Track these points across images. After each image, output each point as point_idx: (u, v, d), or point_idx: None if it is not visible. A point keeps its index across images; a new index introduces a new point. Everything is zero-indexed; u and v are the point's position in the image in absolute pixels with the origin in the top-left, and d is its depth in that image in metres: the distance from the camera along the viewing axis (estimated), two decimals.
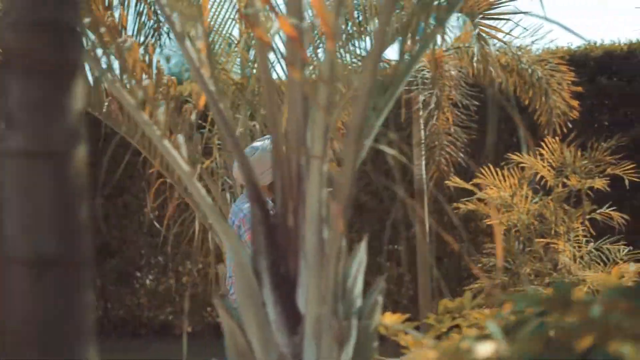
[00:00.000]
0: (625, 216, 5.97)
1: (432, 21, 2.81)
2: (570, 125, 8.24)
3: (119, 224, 9.77)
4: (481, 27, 4.84)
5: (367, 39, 4.47)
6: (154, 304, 9.95)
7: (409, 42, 2.54)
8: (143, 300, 10.14)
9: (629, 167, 5.79)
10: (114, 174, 7.11)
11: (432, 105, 5.98)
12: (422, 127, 6.56)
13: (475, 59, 5.66)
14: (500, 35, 5.59)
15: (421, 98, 6.21)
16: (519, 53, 6.72)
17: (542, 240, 5.85)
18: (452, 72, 6.27)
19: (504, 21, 5.49)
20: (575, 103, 6.89)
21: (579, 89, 6.95)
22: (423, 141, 6.49)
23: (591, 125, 8.24)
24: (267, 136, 3.65)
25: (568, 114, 6.89)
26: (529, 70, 6.76)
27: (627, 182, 5.75)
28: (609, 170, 5.75)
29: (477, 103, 6.30)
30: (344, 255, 2.19)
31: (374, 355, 2.46)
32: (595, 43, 8.32)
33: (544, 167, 5.84)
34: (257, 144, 3.78)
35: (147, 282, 10.08)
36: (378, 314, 2.47)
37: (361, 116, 1.93)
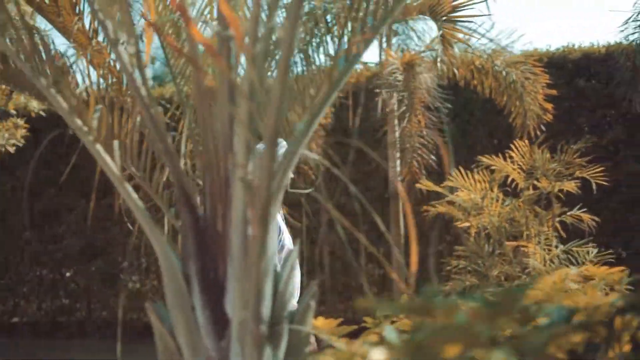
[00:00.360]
0: (596, 218, 5.98)
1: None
2: (548, 128, 8.29)
3: (103, 225, 9.79)
4: (445, 30, 4.86)
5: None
6: (137, 305, 9.97)
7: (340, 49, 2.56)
8: (127, 301, 10.17)
9: (597, 170, 5.79)
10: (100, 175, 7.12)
11: (403, 108, 5.99)
12: (396, 129, 6.59)
13: (439, 59, 5.67)
14: (472, 38, 5.59)
15: (393, 100, 6.23)
16: (493, 55, 6.75)
17: (512, 242, 5.86)
18: (425, 75, 6.29)
19: (478, 24, 5.57)
20: (549, 106, 6.92)
21: (554, 92, 6.97)
22: (398, 144, 6.51)
23: (570, 128, 8.27)
24: None
25: (542, 117, 6.92)
26: (504, 73, 6.78)
27: (594, 185, 5.74)
28: (577, 173, 5.76)
29: (449, 106, 6.31)
30: (266, 258, 2.21)
31: (306, 359, 2.48)
32: (573, 45, 8.35)
33: (514, 169, 5.86)
34: (261, 145, 3.79)
35: (130, 284, 10.10)
36: (310, 318, 2.49)
37: (274, 123, 1.94)
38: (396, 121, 6.56)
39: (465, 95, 7.87)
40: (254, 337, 2.12)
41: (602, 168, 5.81)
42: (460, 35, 5.33)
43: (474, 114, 8.43)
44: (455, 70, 5.75)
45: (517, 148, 5.81)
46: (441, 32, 4.95)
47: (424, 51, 6.61)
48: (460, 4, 4.55)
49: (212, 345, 2.31)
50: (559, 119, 8.28)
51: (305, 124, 2.49)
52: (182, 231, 2.40)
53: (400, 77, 6.22)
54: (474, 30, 6.17)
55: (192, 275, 2.36)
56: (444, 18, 4.64)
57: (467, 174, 5.90)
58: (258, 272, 2.17)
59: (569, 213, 6.00)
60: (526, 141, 5.82)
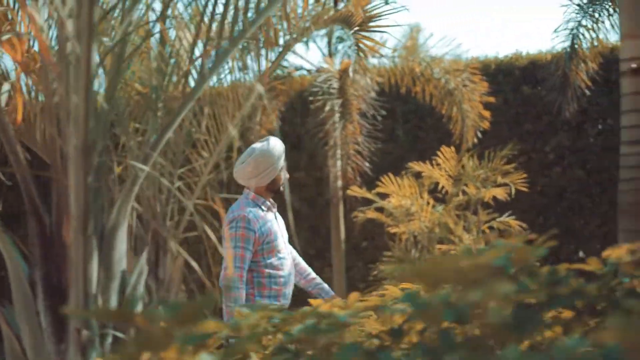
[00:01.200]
0: (523, 224, 6.11)
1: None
2: (496, 134, 8.43)
3: None
4: (359, 39, 4.98)
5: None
6: None
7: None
8: None
9: (520, 177, 5.91)
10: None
11: (338, 115, 6.12)
12: (334, 136, 6.71)
13: (351, 69, 5.80)
14: (389, 47, 5.71)
15: (327, 108, 6.35)
16: (432, 63, 6.88)
17: (441, 247, 5.99)
18: (361, 83, 6.41)
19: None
20: (487, 113, 7.05)
21: (492, 99, 7.10)
22: (339, 149, 6.63)
23: (516, 134, 8.40)
24: (267, 138, 3.73)
25: (480, 124, 7.04)
26: (443, 80, 6.91)
27: (513, 190, 5.86)
28: (499, 180, 5.88)
29: (384, 113, 6.42)
30: (93, 264, 2.32)
31: None
32: (521, 53, 8.47)
33: (441, 175, 5.98)
34: (256, 145, 3.78)
35: None
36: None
37: (83, 137, 2.06)
38: (337, 127, 6.68)
39: (416, 101, 7.99)
40: (75, 341, 2.24)
41: (525, 175, 5.93)
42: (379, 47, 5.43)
43: (425, 120, 8.55)
44: (368, 81, 5.86)
45: (443, 155, 5.94)
46: (354, 42, 5.07)
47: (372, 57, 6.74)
48: (373, 15, 4.67)
49: (53, 349, 2.43)
50: (507, 126, 8.42)
51: (156, 137, 2.62)
52: (30, 239, 2.52)
53: (335, 85, 6.35)
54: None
55: (37, 281, 2.48)
56: (357, 28, 4.76)
57: (397, 180, 6.03)
58: (85, 276, 2.29)
59: (498, 219, 6.13)
60: (452, 148, 5.95)
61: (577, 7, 6.41)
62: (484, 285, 1.27)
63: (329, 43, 7.15)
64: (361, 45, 5.01)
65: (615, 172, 7.79)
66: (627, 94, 2.28)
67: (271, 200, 3.73)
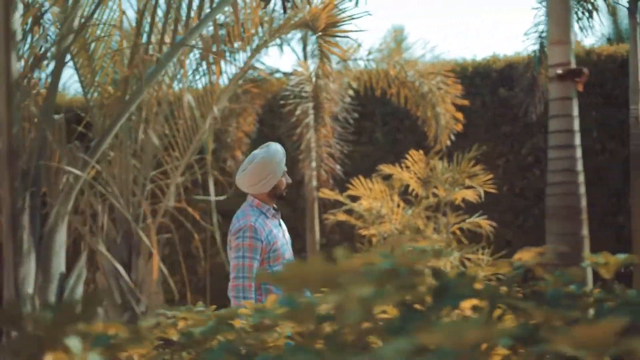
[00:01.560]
0: (494, 224, 6.16)
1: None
2: (474, 135, 8.48)
3: None
4: (322, 44, 5.03)
5: None
6: None
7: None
8: None
9: (487, 178, 5.96)
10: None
11: (310, 118, 6.17)
12: (306, 138, 6.76)
13: (312, 74, 5.86)
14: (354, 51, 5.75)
15: (297, 112, 6.41)
16: (406, 66, 6.94)
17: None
18: (333, 86, 6.46)
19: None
20: (460, 115, 7.10)
21: (466, 102, 7.15)
22: (312, 152, 6.68)
23: (494, 136, 8.46)
24: (267, 144, 3.70)
25: (454, 127, 7.10)
26: (417, 83, 6.96)
27: (482, 192, 5.91)
28: (467, 182, 5.93)
29: (356, 115, 6.47)
30: (26, 266, 2.37)
31: None
32: (498, 55, 8.53)
33: (411, 178, 6.03)
34: (257, 151, 3.76)
35: None
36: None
37: (7, 143, 2.11)
38: (312, 130, 6.74)
39: (394, 104, 8.05)
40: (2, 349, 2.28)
41: (491, 176, 5.97)
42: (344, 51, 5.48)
43: (403, 122, 8.60)
44: (331, 84, 5.92)
45: (412, 158, 5.99)
46: (316, 46, 5.12)
47: (344, 61, 6.79)
48: (335, 21, 4.71)
49: None
50: (484, 128, 8.47)
51: (95, 143, 2.67)
52: None
53: (308, 88, 6.40)
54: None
55: None
56: (320, 33, 4.80)
57: (367, 183, 6.08)
58: (13, 281, 2.34)
59: (468, 220, 6.18)
60: (428, 150, 6.01)
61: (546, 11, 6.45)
62: (344, 289, 1.32)
63: (304, 47, 7.20)
64: (325, 50, 5.06)
65: (593, 174, 7.86)
66: (554, 99, 2.33)
67: (274, 206, 3.68)
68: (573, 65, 2.52)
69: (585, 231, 2.45)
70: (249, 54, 5.34)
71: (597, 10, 6.37)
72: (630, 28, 6.15)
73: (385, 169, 6.05)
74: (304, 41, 7.19)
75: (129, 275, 5.84)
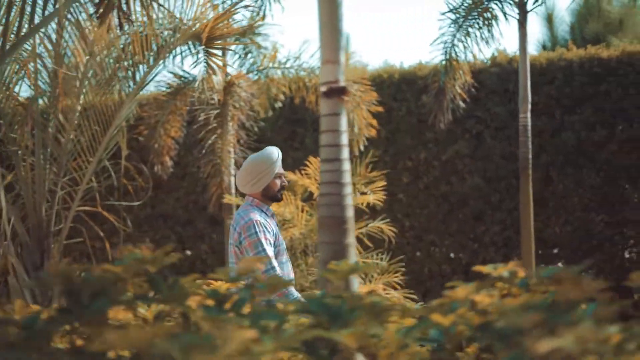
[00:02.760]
0: (394, 229, 6.32)
1: None
2: (398, 142, 8.66)
3: None
4: (208, 56, 5.20)
5: None
6: None
7: None
8: None
9: (380, 185, 6.12)
10: None
11: (214, 125, 6.33)
12: (211, 144, 6.93)
13: (196, 85, 6.04)
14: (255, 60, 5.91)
15: (200, 118, 6.58)
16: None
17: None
18: (243, 94, 6.63)
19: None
20: (374, 121, 7.27)
21: (379, 108, 7.33)
22: (217, 158, 6.86)
23: (419, 142, 8.66)
24: (267, 147, 3.87)
25: (369, 132, 7.27)
26: None
27: (371, 201, 6.06)
28: (362, 189, 6.09)
29: (262, 124, 6.63)
30: None
31: None
32: (423, 62, 8.72)
33: (312, 184, 6.19)
34: (254, 154, 3.95)
35: None
36: None
37: None
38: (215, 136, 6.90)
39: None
40: None
41: (384, 183, 6.13)
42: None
43: None
44: (214, 96, 6.09)
45: (311, 164, 6.15)
46: (203, 58, 5.28)
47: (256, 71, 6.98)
48: (220, 34, 4.87)
49: None
50: (409, 134, 8.65)
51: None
52: None
53: (215, 97, 6.56)
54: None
55: None
56: (203, 46, 4.98)
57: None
58: None
59: (369, 225, 6.35)
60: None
61: (452, 22, 6.64)
62: None
63: (224, 53, 7.36)
64: (210, 62, 5.23)
65: (514, 180, 8.05)
66: (324, 115, 2.49)
67: (270, 208, 3.86)
68: (342, 83, 2.69)
69: (350, 240, 2.62)
70: (146, 69, 5.52)
71: (496, 19, 6.54)
72: (520, 39, 6.32)
73: (289, 174, 6.21)
74: (223, 51, 7.36)
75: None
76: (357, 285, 3.12)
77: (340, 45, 2.73)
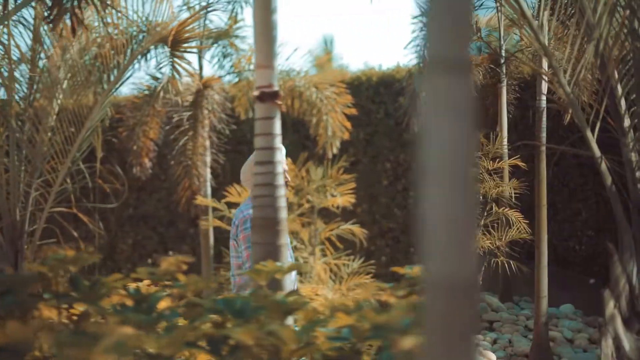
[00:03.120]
0: (365, 231, 6.38)
1: None
2: (377, 143, 8.71)
3: None
4: (173, 59, 5.24)
5: None
6: None
7: None
8: None
9: (349, 187, 6.18)
10: None
11: (186, 126, 6.38)
12: (182, 145, 6.96)
13: (159, 88, 6.08)
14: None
15: (174, 119, 6.62)
16: (297, 77, 7.17)
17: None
18: (216, 97, 6.68)
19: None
20: (348, 124, 7.32)
21: (354, 110, 7.38)
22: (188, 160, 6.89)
23: (398, 143, 8.71)
24: None
25: (343, 134, 7.32)
26: (307, 93, 7.19)
27: (340, 202, 6.12)
28: (335, 191, 6.15)
29: (234, 127, 6.66)
30: None
31: None
32: (401, 65, 8.78)
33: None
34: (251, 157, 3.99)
35: None
36: None
37: None
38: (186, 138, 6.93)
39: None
40: None
41: (353, 185, 6.19)
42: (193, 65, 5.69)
43: (310, 131, 8.86)
44: (177, 98, 6.14)
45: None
46: (169, 60, 5.33)
47: (236, 72, 7.03)
48: (186, 38, 4.92)
49: None
50: (387, 136, 8.71)
51: None
52: None
53: (189, 98, 6.62)
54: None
55: None
56: (169, 49, 5.03)
57: (240, 190, 6.30)
58: None
59: (341, 227, 6.41)
60: (289, 159, 6.22)
61: (423, 25, 6.67)
62: None
63: (200, 57, 7.41)
64: (175, 64, 5.27)
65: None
66: (259, 118, 2.54)
67: None
68: (276, 88, 2.75)
69: (282, 241, 2.68)
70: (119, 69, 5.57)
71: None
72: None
73: None
74: (199, 52, 7.40)
75: None
76: (292, 285, 3.18)
77: (275, 52, 2.79)
